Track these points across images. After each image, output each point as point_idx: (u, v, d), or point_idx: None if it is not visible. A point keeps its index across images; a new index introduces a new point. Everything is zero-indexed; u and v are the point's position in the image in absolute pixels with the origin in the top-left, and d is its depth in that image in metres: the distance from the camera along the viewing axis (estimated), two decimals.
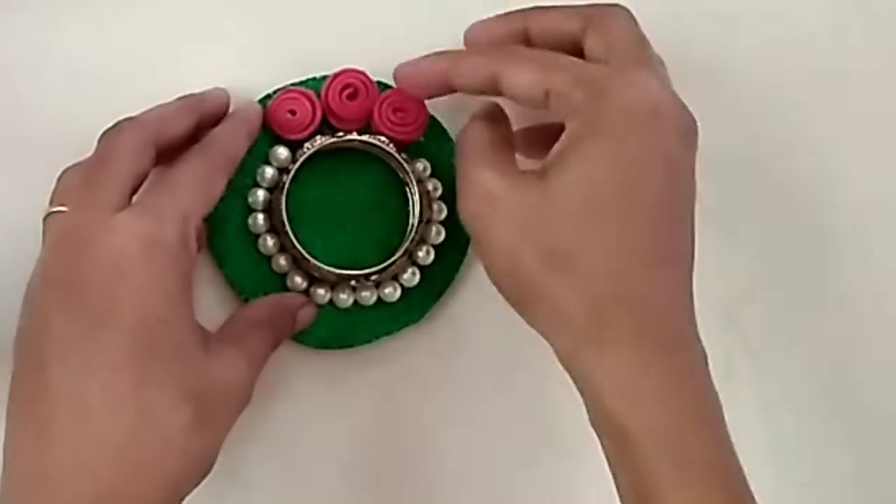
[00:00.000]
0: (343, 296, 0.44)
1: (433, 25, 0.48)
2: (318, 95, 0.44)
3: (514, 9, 0.44)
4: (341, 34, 0.47)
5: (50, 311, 0.36)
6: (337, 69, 0.44)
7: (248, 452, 0.44)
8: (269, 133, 0.44)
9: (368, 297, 0.45)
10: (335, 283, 0.45)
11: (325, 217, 0.45)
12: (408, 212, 0.45)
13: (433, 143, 0.46)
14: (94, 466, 0.35)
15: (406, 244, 0.44)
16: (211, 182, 0.39)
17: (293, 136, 0.44)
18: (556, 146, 0.39)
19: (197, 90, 0.44)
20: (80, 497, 0.35)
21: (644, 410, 0.37)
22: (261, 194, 0.44)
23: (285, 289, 0.44)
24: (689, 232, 0.39)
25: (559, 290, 0.38)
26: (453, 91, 0.42)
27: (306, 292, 0.44)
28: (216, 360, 0.38)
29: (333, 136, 0.44)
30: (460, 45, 0.44)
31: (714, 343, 0.48)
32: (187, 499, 0.37)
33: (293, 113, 0.44)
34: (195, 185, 0.38)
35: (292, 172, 0.44)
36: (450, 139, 0.46)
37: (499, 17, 0.44)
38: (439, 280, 0.46)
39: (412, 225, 0.45)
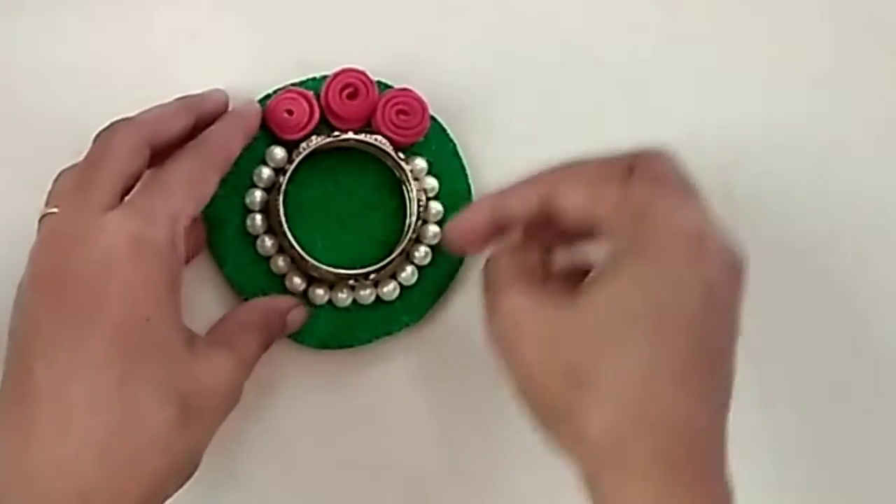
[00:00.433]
0: (341, 295, 0.45)
1: (433, 25, 0.48)
2: (318, 95, 0.44)
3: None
4: (341, 34, 0.47)
5: (37, 310, 0.36)
6: (337, 69, 0.44)
7: (247, 452, 0.44)
8: (266, 133, 0.44)
9: (367, 296, 0.45)
10: (334, 283, 0.45)
11: (323, 217, 0.45)
12: (406, 211, 0.45)
13: (433, 143, 0.46)
14: (75, 463, 0.35)
15: (404, 243, 0.44)
16: (202, 182, 0.39)
17: (290, 136, 0.44)
18: (596, 268, 0.37)
19: (197, 90, 0.44)
20: (62, 494, 0.35)
21: None
22: (258, 195, 0.44)
23: (284, 289, 0.44)
24: (727, 366, 0.37)
25: (582, 410, 0.36)
26: (506, 232, 0.40)
27: (305, 292, 0.44)
28: (203, 361, 0.38)
29: (330, 136, 0.44)
30: (460, 44, 0.44)
31: None
32: (188, 499, 0.37)
33: (290, 113, 0.44)
34: (186, 185, 0.38)
35: (289, 173, 0.44)
36: (450, 140, 0.46)
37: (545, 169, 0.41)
38: (438, 280, 0.46)
39: (409, 224, 0.45)
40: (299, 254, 0.43)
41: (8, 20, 0.45)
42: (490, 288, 0.39)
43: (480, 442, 0.47)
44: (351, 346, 0.45)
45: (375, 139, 0.44)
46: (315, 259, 0.44)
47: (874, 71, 0.51)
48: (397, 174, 0.45)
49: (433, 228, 0.45)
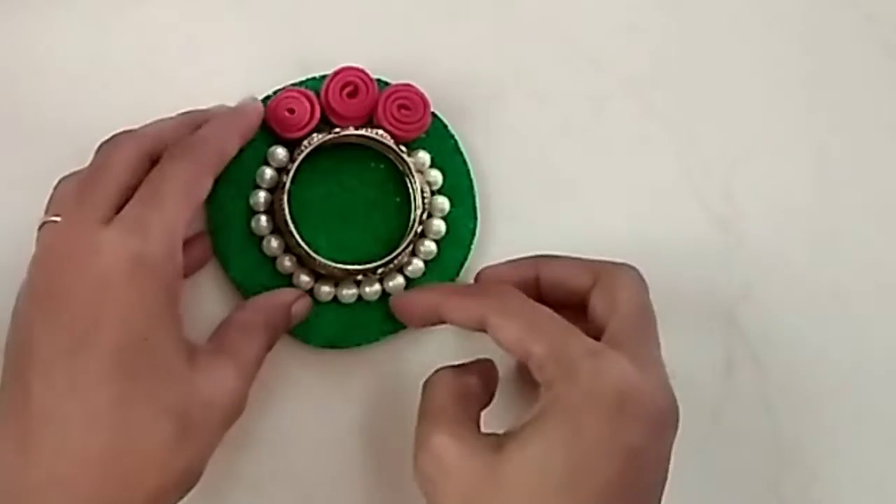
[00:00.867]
0: (348, 291, 0.44)
1: (433, 25, 0.48)
2: (318, 95, 0.44)
3: (525, 256, 0.44)
4: (341, 34, 0.47)
5: (34, 325, 0.36)
6: (337, 67, 0.44)
7: (248, 452, 0.44)
8: (268, 134, 0.44)
9: (374, 292, 0.45)
10: (340, 280, 0.44)
11: (327, 215, 0.45)
12: (409, 207, 0.45)
13: (434, 139, 0.46)
14: (71, 480, 0.35)
15: (409, 236, 0.44)
16: (196, 187, 0.39)
17: (292, 135, 0.44)
18: (522, 419, 0.37)
19: (196, 91, 0.44)
20: None
21: None
22: (262, 196, 0.44)
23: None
24: None
25: None
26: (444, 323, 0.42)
27: (311, 290, 0.44)
28: (203, 374, 0.37)
29: (331, 133, 0.44)
30: (460, 45, 0.44)
31: (714, 343, 0.48)
32: (189, 498, 0.37)
33: (292, 111, 0.44)
34: (181, 193, 0.38)
35: (292, 172, 0.44)
36: (451, 136, 0.46)
37: (511, 262, 0.44)
38: (445, 275, 0.46)
39: (414, 217, 0.45)
40: (305, 252, 0.43)
41: (7, 20, 0.45)
42: (425, 417, 0.39)
43: None
44: (358, 344, 0.45)
45: (377, 133, 0.44)
46: (321, 256, 0.44)
47: (875, 71, 0.51)
48: (400, 167, 0.45)
49: (438, 222, 0.45)
